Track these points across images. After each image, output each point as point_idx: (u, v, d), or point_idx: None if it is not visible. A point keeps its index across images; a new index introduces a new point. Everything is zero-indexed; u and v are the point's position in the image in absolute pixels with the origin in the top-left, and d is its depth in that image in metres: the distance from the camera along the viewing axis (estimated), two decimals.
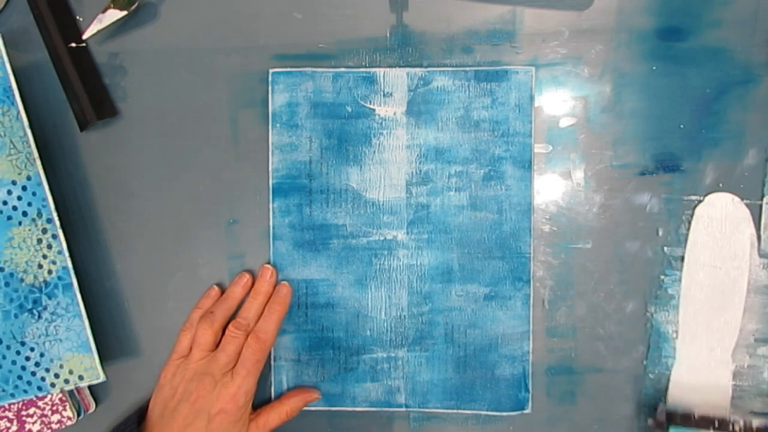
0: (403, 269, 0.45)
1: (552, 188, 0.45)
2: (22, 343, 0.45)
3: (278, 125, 0.46)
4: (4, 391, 0.44)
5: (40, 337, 0.44)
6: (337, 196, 0.45)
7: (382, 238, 0.45)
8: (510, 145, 0.45)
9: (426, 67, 0.45)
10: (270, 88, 0.46)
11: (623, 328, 0.45)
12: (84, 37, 0.46)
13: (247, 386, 0.42)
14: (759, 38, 0.44)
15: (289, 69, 0.45)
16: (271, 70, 0.45)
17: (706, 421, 0.43)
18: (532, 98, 0.44)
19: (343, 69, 0.45)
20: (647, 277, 0.45)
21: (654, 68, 0.45)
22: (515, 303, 0.45)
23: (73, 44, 0.47)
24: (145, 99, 0.47)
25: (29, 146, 0.44)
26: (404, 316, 0.45)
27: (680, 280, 0.45)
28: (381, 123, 0.45)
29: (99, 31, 0.45)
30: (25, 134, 0.44)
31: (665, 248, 0.45)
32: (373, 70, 0.45)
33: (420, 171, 0.45)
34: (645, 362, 0.45)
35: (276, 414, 0.44)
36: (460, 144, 0.45)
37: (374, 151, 0.45)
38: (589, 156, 0.45)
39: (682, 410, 0.44)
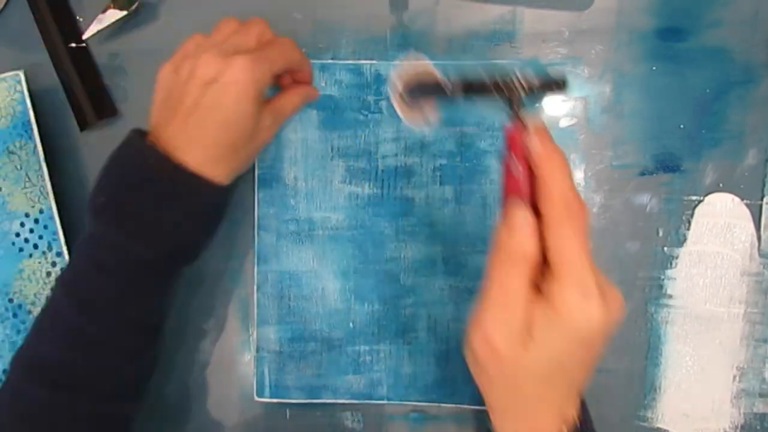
0: (387, 262, 0.45)
1: None
2: None
3: None
4: None
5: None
6: (322, 188, 0.45)
7: (366, 231, 0.45)
8: (495, 139, 0.45)
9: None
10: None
11: (623, 328, 0.45)
12: (84, 37, 0.46)
13: (262, 66, 0.37)
14: (759, 38, 0.44)
15: None
16: None
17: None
18: None
19: (330, 61, 0.45)
20: (647, 277, 0.45)
21: (654, 68, 0.45)
22: None
23: (73, 44, 0.47)
24: (145, 99, 0.47)
25: (43, 180, 0.44)
26: (388, 309, 0.45)
27: (680, 280, 0.45)
28: (366, 115, 0.45)
29: (99, 31, 0.45)
30: (41, 168, 0.45)
31: (665, 248, 0.45)
32: (360, 62, 0.45)
33: (405, 164, 0.45)
34: (645, 362, 0.45)
35: (289, 101, 0.42)
36: (445, 137, 0.45)
37: (359, 144, 0.45)
38: (589, 156, 0.45)
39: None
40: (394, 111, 0.44)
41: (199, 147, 0.37)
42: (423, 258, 0.45)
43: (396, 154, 0.45)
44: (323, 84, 0.45)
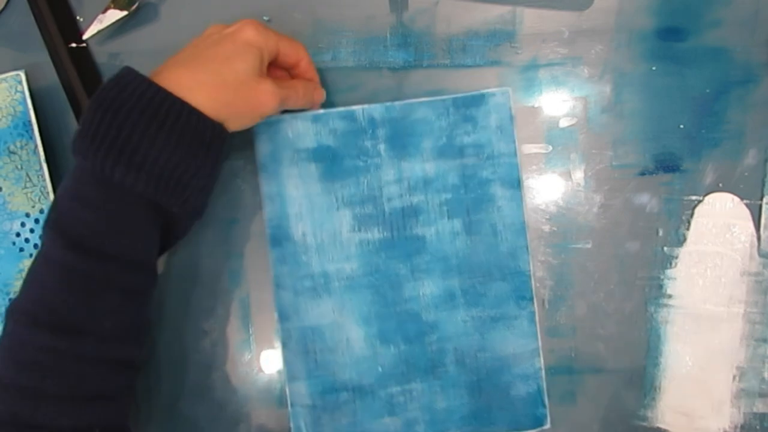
0: (407, 302, 0.45)
1: (552, 188, 0.45)
2: None
3: (266, 175, 0.45)
4: None
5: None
6: (332, 240, 0.45)
7: (381, 275, 0.45)
8: (497, 167, 0.44)
9: (404, 99, 0.45)
10: (254, 138, 0.45)
11: (623, 328, 0.45)
12: (84, 37, 0.46)
13: (269, 33, 0.40)
14: (759, 38, 0.44)
15: (272, 118, 0.45)
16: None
17: None
18: (512, 118, 0.44)
19: (321, 111, 0.45)
20: (647, 277, 0.45)
21: (654, 68, 0.45)
22: (521, 322, 0.45)
23: (73, 44, 0.47)
24: None
25: (44, 180, 0.45)
26: (414, 348, 0.45)
27: (680, 280, 0.45)
28: (366, 161, 0.45)
29: (99, 31, 0.45)
30: (41, 168, 0.45)
31: (665, 248, 0.45)
32: (352, 108, 0.45)
33: (411, 203, 0.45)
34: (645, 362, 0.45)
35: (293, 92, 0.41)
36: (447, 172, 0.45)
37: (363, 190, 0.45)
38: (589, 156, 0.45)
39: None
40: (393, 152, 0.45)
41: (184, 69, 0.37)
42: (441, 293, 0.45)
43: (401, 195, 0.45)
44: (318, 135, 0.45)
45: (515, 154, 0.44)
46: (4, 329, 0.37)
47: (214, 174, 0.39)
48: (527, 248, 0.45)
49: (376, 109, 0.45)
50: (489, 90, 0.44)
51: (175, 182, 0.37)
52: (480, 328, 0.45)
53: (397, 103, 0.45)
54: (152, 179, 0.36)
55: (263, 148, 0.45)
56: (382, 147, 0.45)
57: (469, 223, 0.45)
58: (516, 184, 0.44)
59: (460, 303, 0.45)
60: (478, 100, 0.44)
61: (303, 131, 0.45)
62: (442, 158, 0.45)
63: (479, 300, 0.45)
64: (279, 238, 0.45)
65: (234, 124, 0.39)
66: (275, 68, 0.43)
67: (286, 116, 0.45)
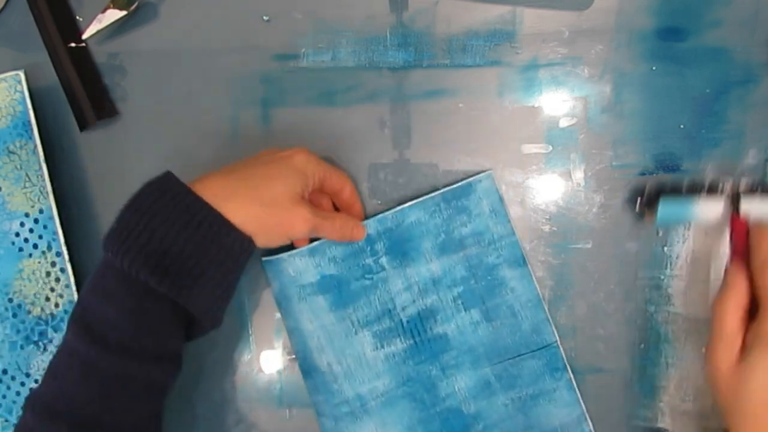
0: (445, 399, 0.45)
1: (552, 188, 0.45)
2: (27, 375, 0.46)
3: (282, 310, 0.46)
4: (7, 421, 0.45)
5: (44, 369, 0.45)
6: (357, 364, 0.45)
7: (414, 382, 0.45)
8: (500, 250, 0.45)
9: (397, 206, 0.45)
10: (265, 276, 0.46)
11: (623, 328, 0.45)
12: (84, 37, 0.46)
13: (318, 161, 0.42)
14: (759, 38, 0.44)
15: (272, 257, 0.45)
16: (263, 258, 0.46)
17: (695, 186, 0.44)
18: (501, 199, 0.45)
19: (316, 243, 0.45)
20: (647, 277, 0.45)
21: (654, 68, 0.45)
22: (561, 393, 0.44)
23: (73, 44, 0.47)
24: (145, 99, 0.47)
25: (43, 180, 0.45)
26: None
27: (680, 280, 0.45)
28: (372, 278, 0.45)
29: (99, 31, 0.45)
30: (41, 168, 0.45)
31: (665, 248, 0.45)
32: None
33: (426, 306, 0.45)
34: (645, 362, 0.45)
35: (329, 223, 0.42)
36: (453, 266, 0.45)
37: (376, 307, 0.45)
38: (589, 156, 0.45)
39: (670, 183, 0.44)
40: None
41: (224, 179, 0.38)
42: (476, 383, 0.45)
43: (414, 301, 0.45)
44: (318, 267, 0.45)
45: (513, 233, 0.45)
46: (22, 419, 0.37)
47: (235, 285, 0.40)
48: (549, 320, 0.45)
49: (369, 225, 0.45)
50: (474, 178, 0.45)
51: (199, 288, 0.37)
52: (522, 408, 0.45)
53: (388, 213, 0.45)
54: (176, 283, 0.36)
55: (274, 285, 0.46)
56: (384, 260, 0.45)
57: (487, 311, 0.45)
58: (522, 262, 0.45)
59: (496, 388, 0.45)
60: (466, 189, 0.45)
61: (303, 267, 0.45)
62: (445, 254, 0.45)
63: (515, 381, 0.45)
64: (308, 369, 0.46)
65: (262, 240, 0.39)
66: (321, 194, 0.45)
67: (284, 255, 0.45)
